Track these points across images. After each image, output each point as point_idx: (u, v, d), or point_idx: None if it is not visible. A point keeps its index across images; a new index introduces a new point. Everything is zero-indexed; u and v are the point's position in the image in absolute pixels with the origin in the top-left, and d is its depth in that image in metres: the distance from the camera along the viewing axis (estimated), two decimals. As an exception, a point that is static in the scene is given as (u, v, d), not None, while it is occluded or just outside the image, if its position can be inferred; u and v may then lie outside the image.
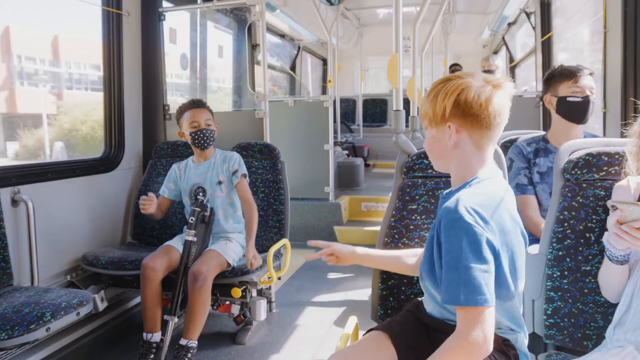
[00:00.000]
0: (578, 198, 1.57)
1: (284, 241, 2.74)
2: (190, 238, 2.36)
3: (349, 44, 8.02)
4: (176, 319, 2.29)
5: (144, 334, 2.34)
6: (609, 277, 1.39)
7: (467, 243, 1.11)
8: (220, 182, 2.64)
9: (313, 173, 4.62)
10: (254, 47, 4.98)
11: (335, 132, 5.79)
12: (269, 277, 2.57)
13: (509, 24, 6.24)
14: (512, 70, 6.55)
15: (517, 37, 6.37)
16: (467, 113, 1.20)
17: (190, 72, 4.40)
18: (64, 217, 2.71)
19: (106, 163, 3.03)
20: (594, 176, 1.57)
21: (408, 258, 1.54)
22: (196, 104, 2.65)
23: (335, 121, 5.78)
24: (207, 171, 2.67)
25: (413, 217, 1.71)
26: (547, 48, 4.02)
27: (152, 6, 3.21)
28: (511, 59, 6.66)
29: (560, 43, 4.13)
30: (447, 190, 1.33)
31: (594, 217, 1.54)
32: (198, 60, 4.51)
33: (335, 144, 6.28)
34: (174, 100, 5.06)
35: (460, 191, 1.21)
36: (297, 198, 4.66)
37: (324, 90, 8.53)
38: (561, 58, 4.24)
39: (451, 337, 1.12)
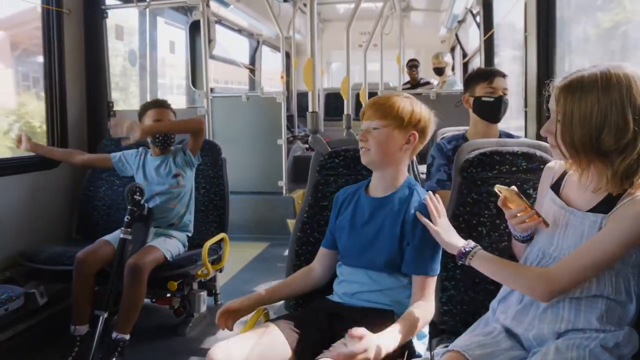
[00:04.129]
0: (473, 195, 1.69)
1: (222, 235, 2.81)
2: (125, 236, 2.41)
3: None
4: (106, 314, 2.34)
5: (71, 327, 2.39)
6: (517, 250, 1.51)
7: None
8: (176, 175, 2.73)
9: (267, 167, 4.70)
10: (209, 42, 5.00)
11: (292, 126, 5.86)
12: (206, 271, 2.65)
13: (459, 22, 6.40)
14: (465, 66, 6.73)
15: (470, 34, 6.55)
16: (425, 131, 1.53)
17: (140, 68, 4.41)
18: (4, 214, 2.72)
19: (48, 160, 3.05)
20: (487, 174, 1.70)
21: (312, 273, 1.70)
22: (159, 104, 2.78)
23: (292, 115, 5.85)
24: (161, 165, 2.75)
25: (324, 214, 1.81)
26: (489, 46, 4.18)
27: (94, 3, 3.23)
28: (464, 55, 6.83)
29: (501, 41, 4.30)
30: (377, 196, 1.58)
31: (485, 212, 1.67)
32: (148, 57, 4.52)
33: (295, 137, 6.34)
34: (124, 97, 5.12)
35: (413, 191, 1.56)
36: (251, 192, 4.74)
37: (288, 85, 8.57)
38: (504, 55, 4.42)
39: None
